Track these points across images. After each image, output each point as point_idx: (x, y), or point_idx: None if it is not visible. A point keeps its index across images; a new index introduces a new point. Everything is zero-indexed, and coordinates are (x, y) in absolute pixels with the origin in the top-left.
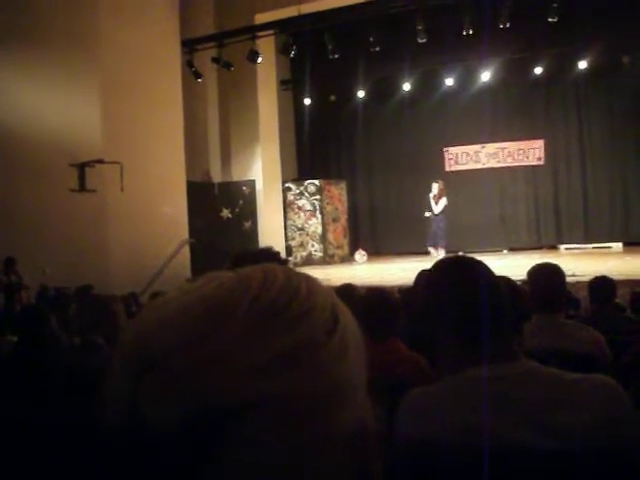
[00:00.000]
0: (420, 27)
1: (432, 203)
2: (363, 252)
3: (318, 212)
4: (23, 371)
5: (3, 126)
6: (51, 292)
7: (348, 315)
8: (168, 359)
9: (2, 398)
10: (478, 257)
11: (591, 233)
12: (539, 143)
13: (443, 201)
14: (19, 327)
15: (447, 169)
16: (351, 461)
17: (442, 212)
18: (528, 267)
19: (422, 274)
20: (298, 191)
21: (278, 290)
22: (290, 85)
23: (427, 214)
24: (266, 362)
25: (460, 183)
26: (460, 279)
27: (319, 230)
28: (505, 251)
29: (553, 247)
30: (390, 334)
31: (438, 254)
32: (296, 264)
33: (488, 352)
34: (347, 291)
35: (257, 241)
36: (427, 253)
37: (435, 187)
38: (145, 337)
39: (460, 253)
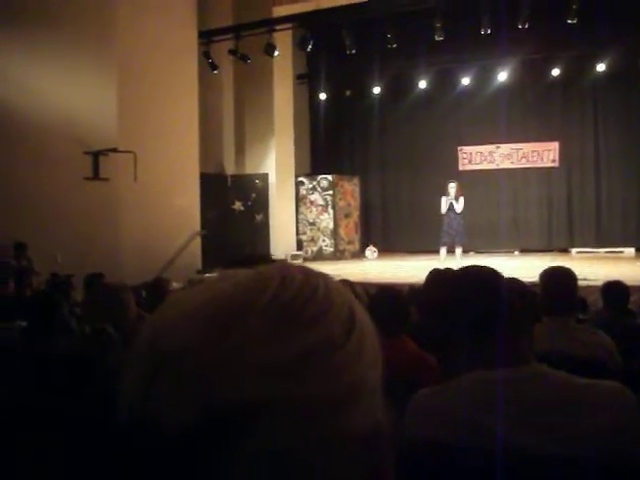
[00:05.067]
0: (438, 25)
1: (453, 202)
2: (374, 248)
3: (330, 207)
4: (30, 356)
5: (17, 113)
6: (62, 279)
7: (365, 315)
8: (179, 359)
9: (10, 383)
10: (489, 257)
11: (603, 237)
12: (554, 145)
13: (462, 199)
14: (30, 312)
15: (460, 168)
16: (363, 463)
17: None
18: (539, 269)
19: (433, 273)
20: (311, 186)
21: (296, 290)
22: (306, 79)
23: (444, 209)
24: (280, 363)
25: (473, 183)
26: (483, 285)
27: (330, 225)
28: (516, 252)
29: (564, 250)
30: (399, 331)
31: (457, 252)
32: (306, 259)
33: (500, 355)
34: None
35: (268, 234)
36: (438, 252)
37: (454, 186)
38: (158, 336)
39: (471, 253)
